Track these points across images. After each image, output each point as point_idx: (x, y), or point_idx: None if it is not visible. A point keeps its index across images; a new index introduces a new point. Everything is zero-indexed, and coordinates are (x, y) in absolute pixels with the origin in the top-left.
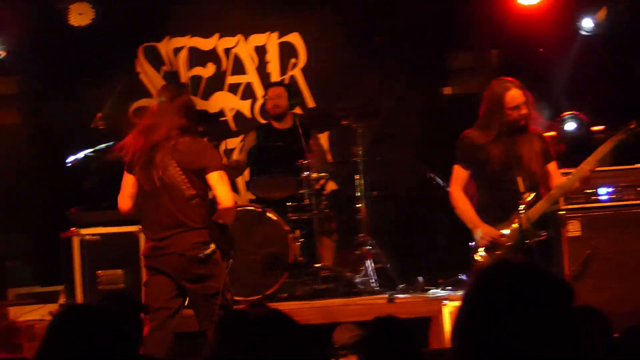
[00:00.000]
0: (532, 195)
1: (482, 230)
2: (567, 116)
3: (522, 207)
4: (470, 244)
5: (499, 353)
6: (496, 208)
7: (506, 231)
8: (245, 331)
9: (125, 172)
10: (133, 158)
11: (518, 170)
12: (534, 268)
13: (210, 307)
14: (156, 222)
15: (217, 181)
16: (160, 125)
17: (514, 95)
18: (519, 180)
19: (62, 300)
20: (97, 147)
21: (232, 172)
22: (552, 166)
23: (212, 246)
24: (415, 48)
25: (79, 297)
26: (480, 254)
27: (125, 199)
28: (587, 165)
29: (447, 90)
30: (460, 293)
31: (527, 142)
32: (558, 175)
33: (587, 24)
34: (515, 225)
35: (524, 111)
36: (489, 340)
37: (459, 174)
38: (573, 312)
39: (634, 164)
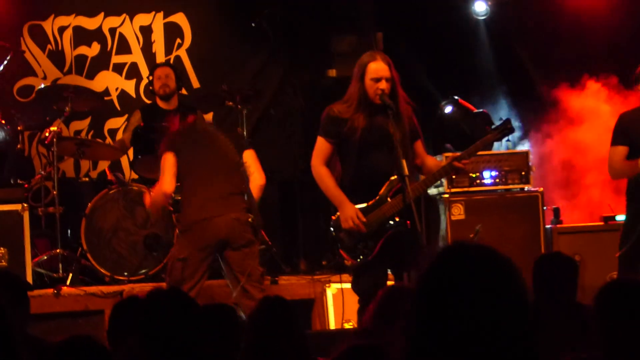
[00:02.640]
0: (398, 179)
1: (347, 213)
2: (445, 101)
3: (387, 191)
4: (332, 217)
5: (460, 340)
6: (359, 187)
7: (369, 214)
8: (139, 308)
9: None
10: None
11: (389, 150)
12: (490, 250)
13: None
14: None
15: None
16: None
17: (378, 67)
18: (403, 162)
19: None
20: None
21: (116, 152)
22: (418, 144)
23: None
24: (300, 30)
25: None
26: (340, 232)
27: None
28: (460, 159)
29: (332, 73)
30: (342, 275)
31: (398, 122)
32: (424, 154)
33: (480, 7)
34: (379, 211)
35: (383, 86)
36: (451, 326)
37: (322, 146)
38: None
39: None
